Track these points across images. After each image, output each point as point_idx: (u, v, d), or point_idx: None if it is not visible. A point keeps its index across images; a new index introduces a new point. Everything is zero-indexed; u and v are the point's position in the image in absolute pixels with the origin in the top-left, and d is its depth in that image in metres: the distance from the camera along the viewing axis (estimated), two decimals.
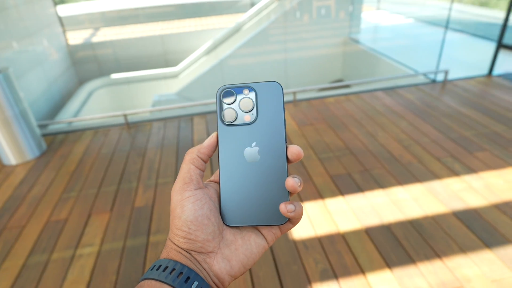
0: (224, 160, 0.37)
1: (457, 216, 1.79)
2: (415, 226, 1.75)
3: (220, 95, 0.37)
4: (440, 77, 3.55)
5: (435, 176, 2.10)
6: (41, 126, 3.13)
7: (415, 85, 3.45)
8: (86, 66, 6.42)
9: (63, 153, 2.68)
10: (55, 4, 5.91)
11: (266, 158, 0.36)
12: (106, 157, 2.59)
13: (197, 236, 0.34)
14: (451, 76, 3.47)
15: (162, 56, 6.75)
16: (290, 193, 0.36)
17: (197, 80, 5.28)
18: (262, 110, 0.37)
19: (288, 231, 1.41)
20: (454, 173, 2.11)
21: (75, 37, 6.57)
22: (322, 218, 1.85)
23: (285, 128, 0.36)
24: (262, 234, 0.37)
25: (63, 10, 6.31)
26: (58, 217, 2.02)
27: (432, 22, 6.25)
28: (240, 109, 0.37)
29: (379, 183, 2.08)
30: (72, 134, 2.96)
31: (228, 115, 0.37)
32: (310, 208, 1.93)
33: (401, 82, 3.64)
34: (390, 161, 2.28)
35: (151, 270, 0.33)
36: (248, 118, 0.37)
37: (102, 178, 2.34)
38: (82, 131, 3.01)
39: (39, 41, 5.22)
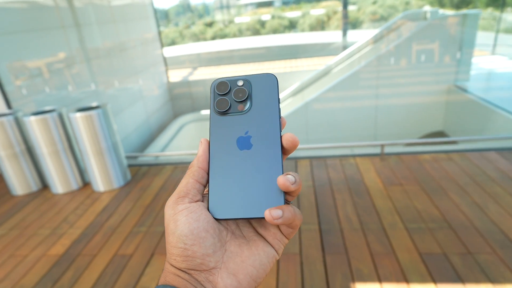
0: (215, 149, 0.35)
1: None
2: None
3: (214, 86, 0.36)
4: None
5: None
6: (130, 158, 3.38)
7: None
8: (182, 101, 6.99)
9: (143, 185, 2.80)
10: (162, 46, 6.67)
11: (259, 147, 0.34)
12: None
13: (195, 252, 0.31)
14: None
15: None
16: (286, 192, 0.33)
17: None
18: (257, 100, 0.35)
19: None
20: None
21: (175, 75, 7.30)
22: None
23: (280, 118, 0.35)
24: (268, 242, 0.34)
25: (168, 51, 7.13)
26: (125, 251, 2.05)
27: None
28: (234, 99, 0.36)
29: (488, 274, 1.62)
30: (155, 168, 3.11)
31: (221, 104, 0.35)
32: None
33: None
34: (504, 245, 1.79)
35: None
36: (241, 107, 0.35)
37: None
38: (163, 165, 3.15)
39: (145, 78, 5.88)
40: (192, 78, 7.59)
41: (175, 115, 6.87)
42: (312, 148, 3.07)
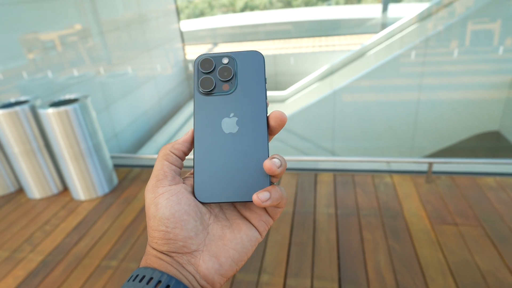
0: (200, 132, 0.34)
1: None
2: None
3: (198, 63, 0.35)
4: None
5: None
6: (116, 157, 2.92)
7: None
8: None
9: (128, 196, 2.34)
10: (179, 19, 6.07)
11: (245, 129, 0.33)
12: None
13: (177, 234, 0.30)
14: None
15: (273, 78, 6.33)
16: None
17: (304, 111, 4.62)
18: (242, 79, 0.35)
19: None
20: None
21: (193, 52, 6.73)
22: None
23: (266, 98, 0.34)
24: (252, 224, 0.34)
25: (186, 25, 6.53)
26: None
27: None
28: (219, 78, 0.35)
29: None
30: (147, 171, 2.64)
31: (205, 84, 0.34)
32: None
33: None
34: None
35: (128, 281, 0.29)
36: (226, 87, 0.34)
37: None
38: None
39: (159, 55, 5.36)
40: None
41: (192, 95, 6.36)
42: (337, 161, 2.46)
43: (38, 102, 2.27)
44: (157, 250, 0.31)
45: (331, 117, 4.43)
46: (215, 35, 7.70)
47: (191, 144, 0.35)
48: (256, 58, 0.35)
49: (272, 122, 0.33)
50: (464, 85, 4.21)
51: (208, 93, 0.34)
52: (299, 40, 6.99)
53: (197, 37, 7.43)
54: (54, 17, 2.91)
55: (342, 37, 6.80)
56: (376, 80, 4.34)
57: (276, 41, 7.17)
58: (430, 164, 2.23)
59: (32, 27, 2.70)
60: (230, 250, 0.31)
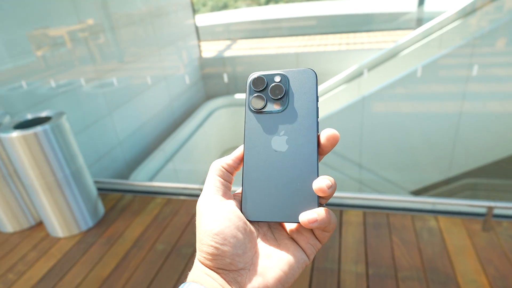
0: (249, 149, 0.34)
1: None
2: None
3: (250, 82, 0.35)
4: None
5: None
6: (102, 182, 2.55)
7: None
8: (215, 81, 6.03)
9: (114, 233, 1.96)
10: (194, 13, 5.66)
11: (295, 148, 0.33)
12: (161, 256, 1.75)
13: (225, 252, 0.30)
14: None
15: None
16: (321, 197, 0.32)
17: (328, 118, 4.11)
18: (294, 98, 0.34)
19: None
20: None
21: (209, 49, 6.31)
22: None
23: (318, 117, 0.34)
24: (300, 246, 0.33)
25: (201, 20, 6.10)
26: None
27: None
28: (270, 96, 0.34)
29: None
30: (140, 199, 2.25)
31: (257, 102, 0.34)
32: None
33: None
34: None
35: None
36: (278, 105, 0.34)
37: None
38: (153, 194, 2.28)
39: (171, 53, 4.99)
40: (228, 53, 6.52)
41: (207, 97, 5.97)
42: (367, 199, 1.97)
43: (6, 120, 1.92)
44: (204, 265, 0.31)
45: (359, 126, 3.90)
46: (234, 31, 7.25)
47: (242, 161, 0.34)
48: (309, 76, 0.34)
49: (323, 141, 0.33)
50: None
51: (259, 111, 0.34)
52: (324, 36, 6.42)
53: (214, 33, 7.00)
54: (45, 14, 2.56)
55: (371, 34, 6.17)
56: (411, 86, 3.77)
57: (299, 37, 6.64)
58: (491, 209, 1.71)
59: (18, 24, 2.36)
60: (277, 271, 0.31)
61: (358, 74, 4.96)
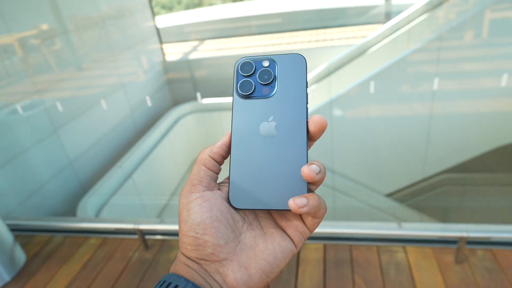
0: (237, 135, 0.34)
1: None
2: None
3: (238, 66, 0.35)
4: None
5: None
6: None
7: None
8: (180, 85, 5.70)
9: (34, 287, 1.66)
10: (154, 14, 5.30)
11: (284, 134, 0.33)
12: None
13: (206, 241, 0.30)
14: None
15: None
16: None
17: None
18: (283, 83, 0.34)
19: None
20: None
21: (173, 52, 5.96)
22: None
23: (307, 103, 0.33)
24: (288, 235, 0.32)
25: (162, 21, 5.74)
26: None
27: None
28: (259, 81, 0.34)
29: None
30: (71, 240, 1.95)
31: (245, 87, 0.34)
32: None
33: None
34: None
35: (155, 287, 0.29)
36: (266, 90, 0.34)
37: None
38: (88, 234, 1.98)
39: (129, 59, 4.64)
40: (194, 55, 6.18)
41: (175, 103, 5.63)
42: (327, 232, 1.73)
43: None
44: (186, 257, 0.31)
45: (329, 137, 3.69)
46: (200, 31, 6.92)
47: (230, 148, 0.34)
48: (298, 61, 0.34)
49: (311, 127, 0.32)
50: (482, 89, 3.42)
51: (247, 97, 0.34)
52: (292, 34, 6.18)
53: (180, 34, 6.65)
54: None
55: (340, 29, 5.96)
56: (381, 85, 3.58)
57: (268, 36, 6.37)
58: (462, 239, 1.50)
59: None
60: (261, 261, 0.30)
61: (327, 74, 4.75)
